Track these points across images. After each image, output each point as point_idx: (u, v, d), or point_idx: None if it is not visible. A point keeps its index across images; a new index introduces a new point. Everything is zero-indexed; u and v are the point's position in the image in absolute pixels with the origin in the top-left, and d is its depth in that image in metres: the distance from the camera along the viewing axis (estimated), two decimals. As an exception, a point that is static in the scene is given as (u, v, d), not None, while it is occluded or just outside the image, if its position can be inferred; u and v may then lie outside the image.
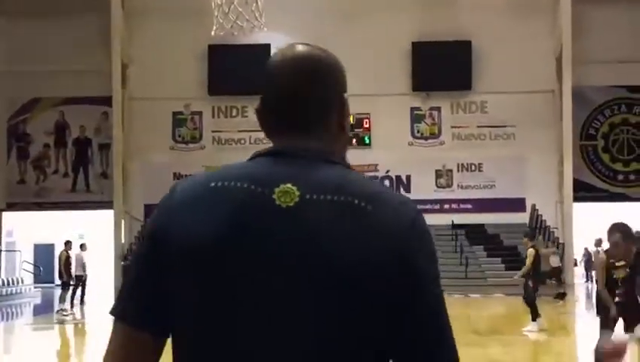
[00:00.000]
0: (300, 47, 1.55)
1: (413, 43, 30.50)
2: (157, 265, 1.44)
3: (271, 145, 1.54)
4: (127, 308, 1.47)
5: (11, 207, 31.52)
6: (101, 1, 29.34)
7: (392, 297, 1.37)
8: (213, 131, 31.09)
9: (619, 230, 7.35)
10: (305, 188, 1.42)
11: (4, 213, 31.80)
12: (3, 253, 30.98)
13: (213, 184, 1.45)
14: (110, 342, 1.47)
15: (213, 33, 15.27)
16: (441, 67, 29.78)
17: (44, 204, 31.34)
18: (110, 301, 14.65)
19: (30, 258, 33.36)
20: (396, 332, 1.39)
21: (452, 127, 31.06)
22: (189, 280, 1.40)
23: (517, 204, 30.37)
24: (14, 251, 32.71)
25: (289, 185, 1.42)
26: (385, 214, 1.41)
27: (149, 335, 1.46)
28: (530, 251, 14.74)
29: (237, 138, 31.01)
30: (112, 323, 1.48)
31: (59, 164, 32.05)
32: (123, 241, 29.69)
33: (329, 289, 1.36)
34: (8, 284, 27.88)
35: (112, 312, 1.48)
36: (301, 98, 1.51)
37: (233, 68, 29.70)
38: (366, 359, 1.39)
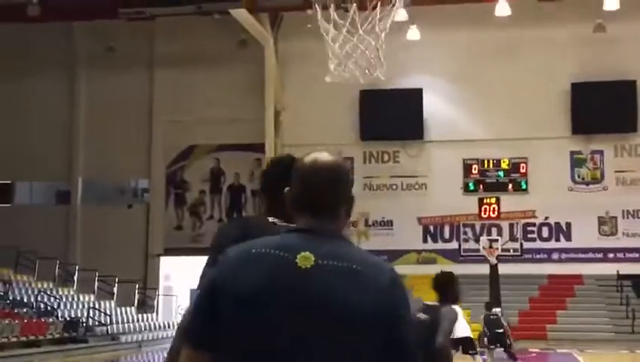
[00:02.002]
0: (325, 157, 2.20)
1: (572, 84, 29.21)
2: (215, 303, 2.08)
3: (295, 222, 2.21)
4: (193, 337, 2.12)
5: (169, 252, 32.25)
6: (255, 50, 29.85)
7: (378, 331, 2.02)
8: (364, 177, 30.77)
9: None
10: (318, 256, 2.06)
11: (162, 258, 32.57)
12: (160, 297, 31.63)
13: (254, 251, 2.11)
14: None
15: (328, 79, 14.96)
16: (604, 108, 28.35)
17: (199, 250, 31.84)
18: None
19: (186, 302, 33.96)
20: (381, 354, 2.02)
21: (616, 171, 29.40)
22: (238, 317, 2.04)
23: (689, 253, 28.28)
24: (171, 295, 33.38)
25: (307, 253, 2.06)
26: (372, 274, 2.07)
27: (208, 354, 2.08)
28: None
29: (389, 184, 30.57)
30: (182, 351, 2.14)
31: (214, 210, 32.61)
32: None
33: (335, 326, 1.99)
34: (165, 328, 28.36)
35: (185, 337, 2.16)
36: (322, 195, 2.17)
37: (385, 113, 29.40)
38: None
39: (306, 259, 2.05)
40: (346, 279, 2.04)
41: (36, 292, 25.14)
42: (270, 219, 2.95)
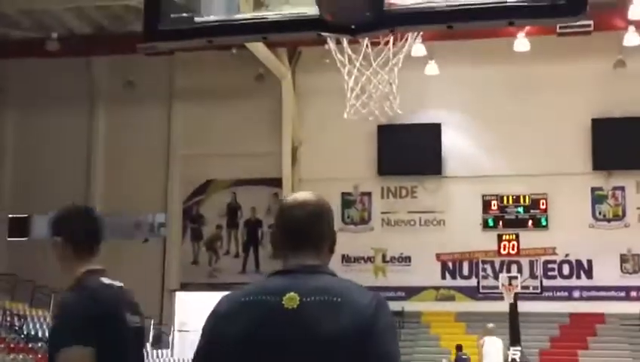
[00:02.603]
0: (305, 195, 2.39)
1: (593, 119, 28.96)
2: (211, 352, 2.34)
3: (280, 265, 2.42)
4: None
5: (185, 287, 32.05)
6: (272, 84, 29.87)
7: (360, 348, 2.21)
8: (382, 213, 30.54)
9: None
10: (303, 294, 2.27)
11: (177, 293, 32.35)
12: (176, 333, 31.36)
13: (243, 299, 2.35)
14: None
15: (345, 116, 14.90)
16: (625, 144, 28.06)
17: (216, 285, 31.64)
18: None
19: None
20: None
21: (638, 208, 29.01)
22: (231, 356, 2.27)
23: None
24: (186, 331, 33.08)
25: (292, 293, 2.27)
26: (353, 302, 2.26)
27: None
28: None
29: (406, 219, 30.30)
30: None
31: (230, 245, 32.44)
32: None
33: (322, 354, 2.21)
34: (179, 364, 28.09)
35: None
36: (304, 231, 2.35)
37: (403, 147, 29.24)
38: None
39: (291, 299, 2.27)
40: (329, 311, 2.23)
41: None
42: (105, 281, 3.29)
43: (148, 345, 27.92)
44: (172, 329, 31.00)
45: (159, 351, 28.19)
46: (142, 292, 23.35)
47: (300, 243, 2.37)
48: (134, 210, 32.16)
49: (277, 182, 30.45)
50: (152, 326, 29.02)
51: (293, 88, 30.53)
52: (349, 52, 13.11)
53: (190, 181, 32.12)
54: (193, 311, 33.12)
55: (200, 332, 2.43)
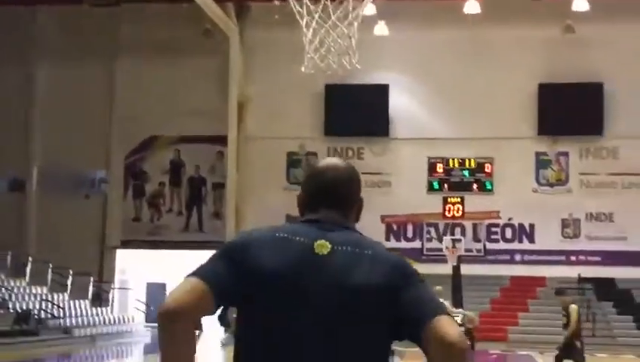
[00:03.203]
0: (338, 161, 2.51)
1: (540, 85, 29.11)
2: (233, 266, 2.21)
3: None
4: (204, 274, 2.18)
5: (126, 244, 31.60)
6: (219, 39, 29.29)
7: (391, 295, 2.17)
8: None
9: None
10: (334, 243, 2.26)
11: (118, 251, 31.89)
12: (116, 291, 30.98)
13: (277, 234, 2.28)
14: (180, 287, 2.15)
15: (303, 69, 14.63)
16: (570, 110, 28.27)
17: (158, 243, 31.28)
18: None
19: (142, 296, 33.29)
20: (398, 309, 2.16)
21: (580, 173, 29.35)
22: (257, 292, 2.18)
23: (652, 258, 28.36)
24: (127, 289, 32.71)
25: (323, 241, 2.26)
26: (381, 257, 2.26)
27: (212, 296, 2.15)
28: (574, 307, 13.33)
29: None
30: (186, 278, 2.16)
31: (173, 202, 32.03)
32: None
33: (352, 304, 2.15)
34: (119, 322, 27.75)
35: (192, 274, 2.18)
36: (337, 190, 2.40)
37: (350, 108, 29.01)
38: (377, 339, 2.20)
39: (322, 246, 2.23)
40: (360, 262, 2.21)
41: (-14, 283, 24.42)
42: None
43: (87, 303, 27.51)
44: (112, 286, 30.57)
45: (99, 308, 27.77)
46: (81, 248, 22.94)
47: (332, 201, 2.37)
48: (75, 166, 31.43)
49: (222, 140, 30.03)
50: (91, 284, 28.58)
51: (241, 45, 29.99)
52: (308, 3, 12.76)
53: (133, 137, 31.50)
54: (134, 268, 32.75)
55: (219, 251, 2.27)
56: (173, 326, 2.11)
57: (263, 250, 2.22)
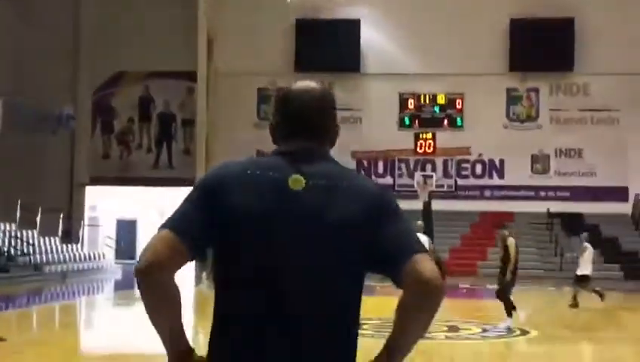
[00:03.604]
0: (312, 84, 2.31)
1: (511, 20, 29.04)
2: (206, 210, 2.13)
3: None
4: (177, 225, 2.11)
5: (95, 181, 31.39)
6: (189, -27, 28.74)
7: (368, 230, 2.11)
8: (298, 109, 30.24)
9: None
10: (308, 177, 2.16)
11: (87, 188, 31.70)
12: (86, 228, 30.90)
13: (250, 171, 2.18)
14: (153, 241, 2.08)
15: (288, 0, 14.41)
16: (541, 46, 28.25)
17: (127, 180, 31.11)
18: (188, 278, 13.54)
19: (112, 233, 33.23)
20: (374, 244, 2.12)
21: (551, 109, 29.50)
22: (237, 227, 2.12)
23: (619, 193, 28.75)
24: (97, 226, 32.62)
25: (298, 176, 2.15)
26: (359, 188, 2.17)
27: (185, 247, 2.09)
28: (512, 241, 13.41)
29: (323, 116, 30.10)
30: (158, 232, 2.09)
31: (142, 139, 31.78)
32: (204, 219, 29.14)
33: (329, 239, 2.11)
34: (90, 259, 27.73)
35: (164, 225, 2.11)
36: (312, 118, 2.26)
37: (321, 43, 28.74)
38: (352, 275, 2.15)
39: (296, 181, 2.14)
40: (335, 196, 2.13)
41: (-46, 221, 24.20)
42: None
43: (57, 239, 27.40)
44: (82, 223, 30.46)
45: (69, 245, 27.68)
46: (50, 185, 22.58)
47: (302, 130, 2.24)
48: (41, 101, 30.92)
49: (192, 76, 29.69)
50: (60, 221, 28.43)
51: (210, -22, 29.45)
52: None
53: (100, 72, 31.03)
54: (104, 205, 32.62)
55: (191, 195, 2.17)
56: (151, 283, 2.06)
57: (235, 190, 2.13)
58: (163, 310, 2.10)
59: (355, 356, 2.16)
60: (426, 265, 2.05)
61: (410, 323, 2.10)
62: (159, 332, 2.13)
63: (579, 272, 17.66)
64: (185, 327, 2.16)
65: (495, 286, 14.36)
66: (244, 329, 2.10)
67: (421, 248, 2.11)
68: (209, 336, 2.16)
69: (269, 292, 2.09)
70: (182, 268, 2.12)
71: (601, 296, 17.90)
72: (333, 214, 2.11)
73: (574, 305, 17.49)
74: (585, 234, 18.78)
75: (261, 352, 2.08)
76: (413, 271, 2.04)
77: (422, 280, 2.03)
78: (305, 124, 2.24)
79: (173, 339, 2.14)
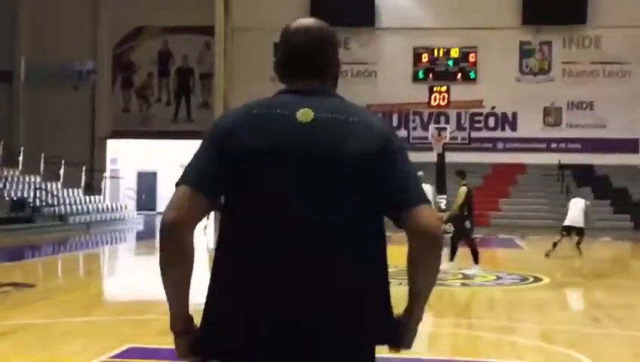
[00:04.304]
0: (312, 21, 2.28)
1: (524, -27, 29.07)
2: (217, 158, 2.15)
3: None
4: (193, 179, 2.14)
5: (116, 135, 31.99)
6: None
7: (375, 166, 2.14)
8: (314, 63, 30.52)
9: None
10: (317, 111, 2.17)
11: (108, 141, 32.31)
12: (107, 180, 31.55)
13: (255, 111, 2.18)
14: (174, 198, 2.13)
15: None
16: (554, -1, 28.33)
17: (147, 133, 31.69)
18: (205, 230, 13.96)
19: (133, 185, 33.94)
20: (382, 184, 2.15)
21: (563, 62, 29.68)
22: (243, 171, 2.13)
23: (629, 145, 29.04)
24: (118, 178, 33.32)
25: (306, 109, 2.16)
26: (367, 123, 2.19)
27: (205, 199, 2.13)
28: (463, 189, 13.37)
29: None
30: (176, 189, 2.15)
31: (162, 93, 32.27)
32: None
33: (333, 168, 2.12)
34: (112, 210, 28.40)
35: (180, 182, 2.15)
36: (312, 55, 2.24)
37: (337, -2, 28.94)
38: (362, 209, 2.15)
39: (305, 114, 2.16)
40: (344, 129, 2.16)
41: (-20, 173, 24.81)
42: None
43: (80, 191, 28.12)
44: (103, 176, 31.14)
45: (91, 196, 28.39)
46: (72, 139, 23.50)
47: (305, 69, 2.24)
48: (62, 57, 31.49)
49: (209, 31, 30.07)
50: (83, 173, 29.11)
51: None
52: None
53: (120, 28, 31.45)
54: (125, 158, 33.30)
55: (202, 147, 2.20)
56: (175, 238, 2.10)
57: (243, 131, 2.14)
58: (178, 265, 2.13)
59: (380, 295, 2.20)
60: (430, 216, 2.14)
61: (420, 271, 2.17)
62: (170, 289, 2.16)
63: (576, 224, 17.31)
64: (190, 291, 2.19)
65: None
66: (260, 259, 2.12)
67: (425, 199, 2.17)
68: (210, 282, 2.18)
69: (284, 220, 2.11)
70: (202, 219, 2.18)
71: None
72: (347, 148, 2.12)
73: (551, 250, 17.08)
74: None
75: (279, 279, 2.11)
76: (417, 223, 2.12)
77: (424, 232, 2.12)
78: (307, 65, 2.24)
79: (181, 299, 2.18)
